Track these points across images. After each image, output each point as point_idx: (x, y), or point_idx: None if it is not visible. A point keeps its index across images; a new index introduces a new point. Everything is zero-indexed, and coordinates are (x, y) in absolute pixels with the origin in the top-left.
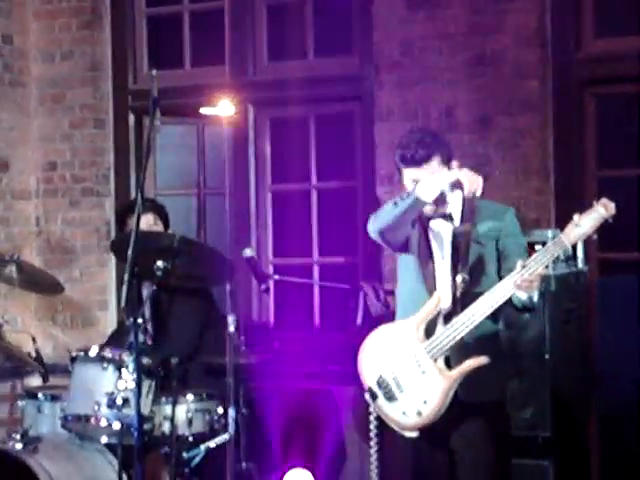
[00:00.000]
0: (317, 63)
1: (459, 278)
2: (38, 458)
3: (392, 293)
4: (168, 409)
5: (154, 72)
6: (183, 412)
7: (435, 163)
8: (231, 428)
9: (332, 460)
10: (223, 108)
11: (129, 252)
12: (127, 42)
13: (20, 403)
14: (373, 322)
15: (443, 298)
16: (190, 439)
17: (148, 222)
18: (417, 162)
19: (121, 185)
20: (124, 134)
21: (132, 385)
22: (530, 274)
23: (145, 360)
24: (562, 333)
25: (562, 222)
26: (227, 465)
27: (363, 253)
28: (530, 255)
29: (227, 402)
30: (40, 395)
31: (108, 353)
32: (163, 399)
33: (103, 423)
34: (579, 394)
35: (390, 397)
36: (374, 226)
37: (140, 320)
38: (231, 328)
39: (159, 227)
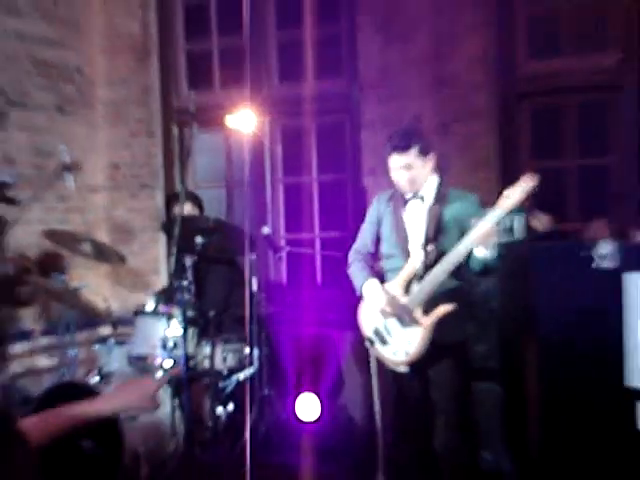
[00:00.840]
0: (315, 84)
1: (429, 248)
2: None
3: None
4: (207, 350)
5: (192, 94)
6: (219, 352)
7: (414, 152)
8: (255, 363)
9: (333, 387)
10: (244, 120)
11: (175, 232)
12: (170, 71)
13: (95, 347)
14: None
15: (416, 264)
16: (224, 372)
17: (188, 209)
18: (399, 149)
19: (168, 181)
20: (169, 141)
21: (180, 332)
22: (483, 230)
23: (189, 313)
24: (506, 286)
25: None
26: (253, 391)
27: (351, 229)
28: None
29: (252, 343)
30: (110, 341)
31: (161, 308)
32: (203, 342)
33: (158, 361)
34: (520, 333)
35: (384, 342)
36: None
37: (185, 283)
38: (254, 287)
39: (196, 213)
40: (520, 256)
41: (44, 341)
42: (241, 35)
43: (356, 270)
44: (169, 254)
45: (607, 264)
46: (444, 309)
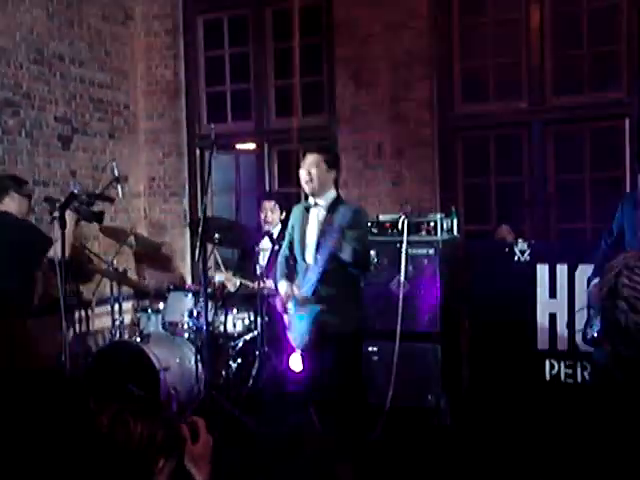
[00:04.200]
0: (304, 119)
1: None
2: (149, 346)
3: None
4: (222, 318)
5: (211, 126)
6: (230, 319)
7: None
8: (258, 328)
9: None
10: (250, 145)
11: (199, 229)
12: (195, 108)
13: (138, 314)
14: None
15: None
16: (235, 335)
17: (270, 206)
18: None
19: (192, 190)
20: (193, 160)
21: (202, 304)
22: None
23: (209, 290)
24: (447, 273)
25: (443, 209)
26: (256, 349)
27: None
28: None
29: (255, 312)
30: (149, 310)
31: (190, 286)
32: (219, 312)
33: (186, 326)
34: (457, 306)
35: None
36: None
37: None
38: (258, 271)
39: (277, 211)
40: (456, 249)
41: (98, 310)
42: (248, 81)
43: (276, 271)
44: (192, 245)
45: (525, 258)
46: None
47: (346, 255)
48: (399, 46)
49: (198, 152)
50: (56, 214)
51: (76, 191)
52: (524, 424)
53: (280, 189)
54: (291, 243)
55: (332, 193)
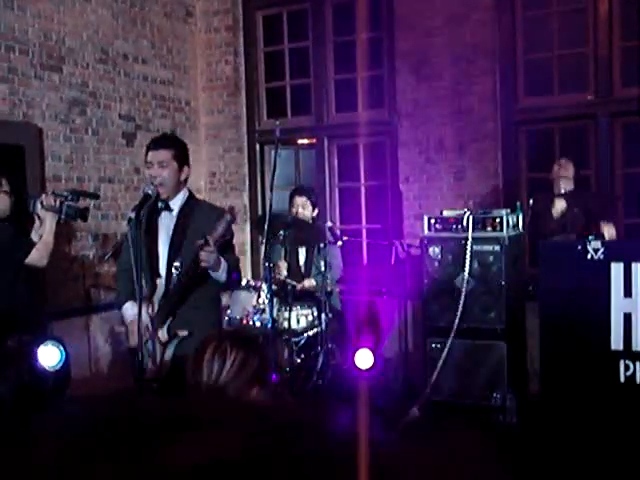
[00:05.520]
0: (364, 114)
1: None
2: None
3: (411, 245)
4: (286, 314)
5: (277, 122)
6: (294, 316)
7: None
8: (323, 324)
9: (384, 344)
10: (311, 139)
11: (265, 225)
12: (254, 103)
13: None
14: (399, 263)
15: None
16: (298, 330)
17: (302, 202)
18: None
19: (252, 185)
20: (253, 156)
21: (266, 300)
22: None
23: (273, 286)
24: (512, 268)
25: (508, 204)
26: (321, 345)
27: (391, 222)
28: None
29: (319, 309)
30: None
31: (252, 282)
32: (283, 308)
33: (251, 322)
34: (521, 303)
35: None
36: None
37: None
38: (322, 268)
39: (309, 207)
40: (522, 245)
41: None
42: (308, 76)
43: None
44: (252, 241)
45: (598, 256)
46: (181, 333)
47: (220, 276)
48: (461, 39)
49: (258, 147)
50: (39, 213)
51: (150, 192)
52: (596, 426)
53: (341, 183)
54: None
55: (185, 191)
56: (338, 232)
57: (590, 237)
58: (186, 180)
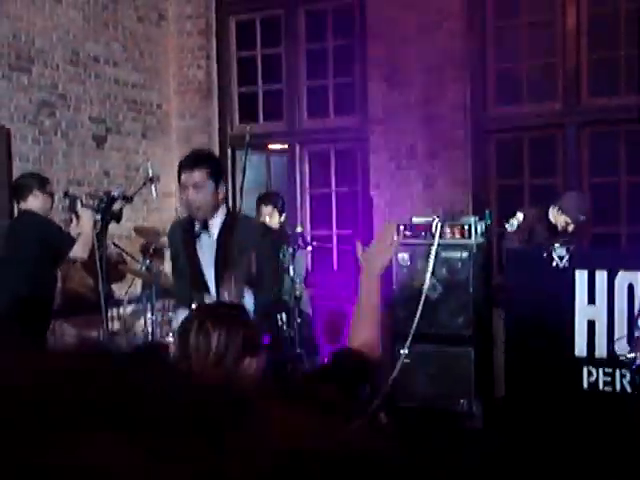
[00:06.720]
0: (335, 120)
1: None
2: None
3: None
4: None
5: (248, 127)
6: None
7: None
8: (291, 330)
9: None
10: (281, 145)
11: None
12: (226, 108)
13: (169, 313)
14: None
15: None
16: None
17: (268, 212)
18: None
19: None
20: (225, 160)
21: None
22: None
23: None
24: (478, 276)
25: (478, 212)
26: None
27: (362, 228)
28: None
29: (288, 313)
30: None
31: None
32: None
33: None
34: (488, 309)
35: None
36: None
37: None
38: (291, 273)
39: (276, 215)
40: (490, 253)
41: (129, 308)
42: (280, 82)
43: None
44: None
45: (563, 264)
46: None
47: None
48: (432, 47)
49: (230, 152)
50: (79, 210)
51: (116, 194)
52: (560, 432)
53: (312, 189)
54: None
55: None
56: (308, 238)
57: (555, 244)
58: (224, 198)
